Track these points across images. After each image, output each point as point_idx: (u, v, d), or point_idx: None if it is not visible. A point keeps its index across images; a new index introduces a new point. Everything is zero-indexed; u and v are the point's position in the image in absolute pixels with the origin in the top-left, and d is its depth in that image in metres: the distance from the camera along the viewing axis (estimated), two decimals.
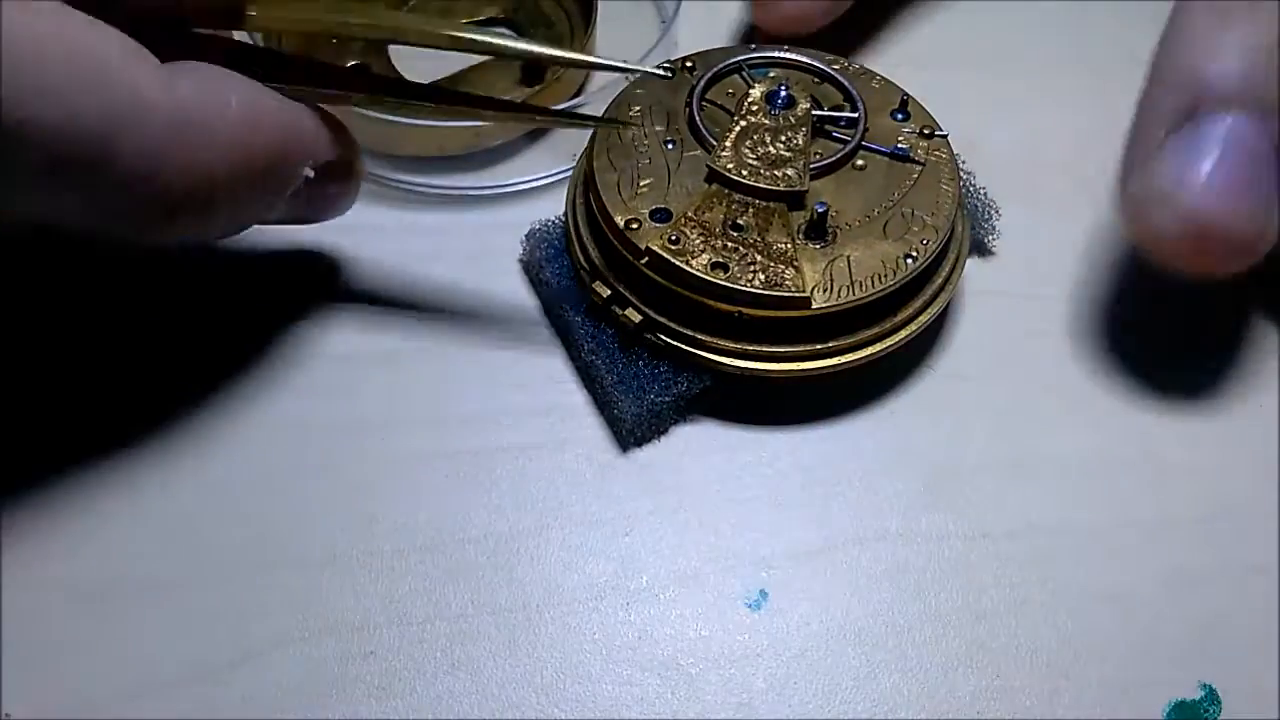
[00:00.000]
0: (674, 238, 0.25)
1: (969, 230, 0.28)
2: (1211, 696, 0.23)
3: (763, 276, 0.24)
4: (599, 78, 0.34)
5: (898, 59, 0.35)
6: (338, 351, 0.27)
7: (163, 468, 0.25)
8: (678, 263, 0.24)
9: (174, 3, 0.21)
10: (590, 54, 0.33)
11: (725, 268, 0.24)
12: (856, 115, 0.28)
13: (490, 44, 0.24)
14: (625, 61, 0.26)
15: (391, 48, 0.34)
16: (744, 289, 0.24)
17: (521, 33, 0.35)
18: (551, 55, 0.25)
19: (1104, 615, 0.24)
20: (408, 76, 0.33)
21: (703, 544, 0.25)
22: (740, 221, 0.25)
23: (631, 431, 0.26)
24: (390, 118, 0.29)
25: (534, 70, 0.33)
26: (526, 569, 0.24)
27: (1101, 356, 0.27)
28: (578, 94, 0.33)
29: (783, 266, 0.24)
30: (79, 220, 0.20)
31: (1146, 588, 0.24)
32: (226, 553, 0.24)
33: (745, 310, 0.24)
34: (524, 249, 0.29)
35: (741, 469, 0.26)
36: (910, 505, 0.25)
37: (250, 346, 0.27)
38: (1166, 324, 0.29)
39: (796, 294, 0.24)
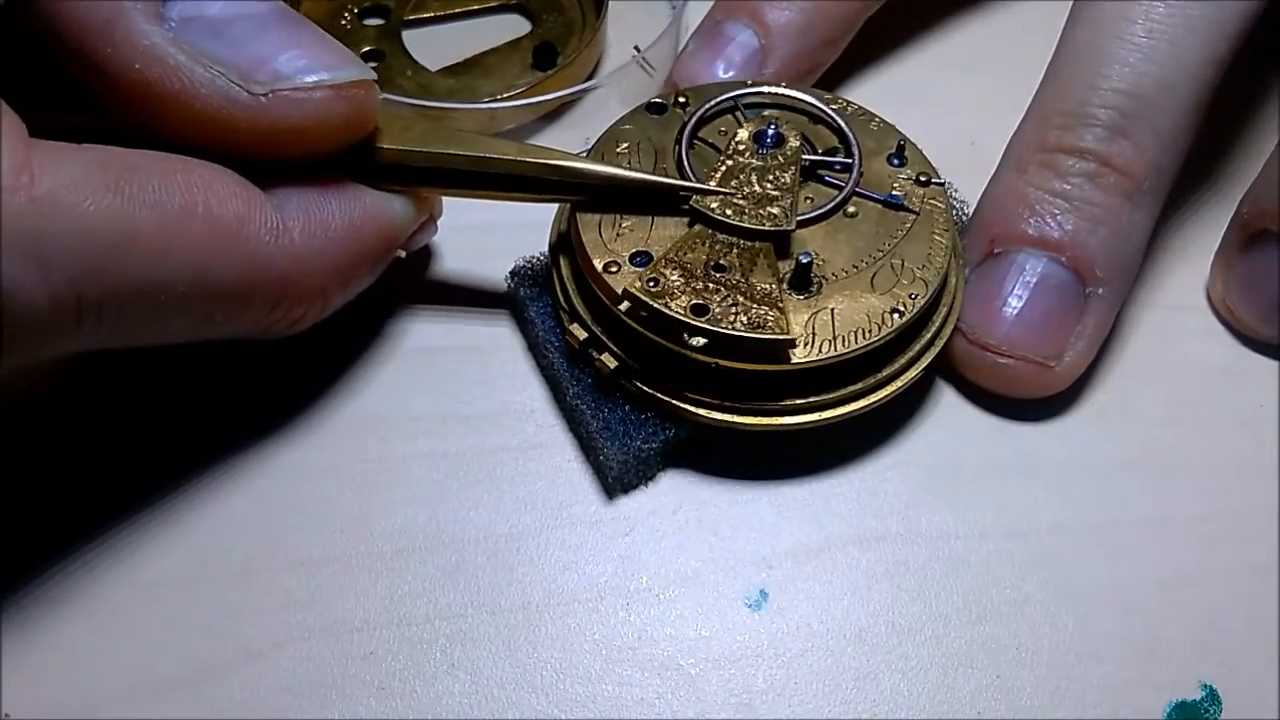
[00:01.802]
0: (653, 280, 0.24)
1: (964, 279, 0.27)
2: (1212, 696, 0.23)
3: (745, 319, 0.23)
4: (609, 62, 0.34)
5: (897, 59, 0.35)
6: (338, 351, 0.27)
7: (162, 469, 0.25)
8: (656, 305, 0.23)
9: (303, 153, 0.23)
10: (599, 41, 0.33)
11: (706, 310, 0.23)
12: (851, 160, 0.27)
13: (602, 174, 0.25)
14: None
15: (405, 33, 0.34)
16: (725, 331, 0.23)
17: (533, 19, 0.35)
18: (662, 183, 0.25)
19: (1104, 615, 0.24)
20: (420, 60, 0.33)
21: (703, 544, 0.25)
22: (723, 262, 0.24)
23: (619, 479, 0.25)
24: (410, 101, 0.29)
25: (546, 55, 0.33)
26: (526, 569, 0.24)
27: (1100, 357, 0.27)
28: (590, 77, 0.34)
29: (766, 308, 0.23)
30: (203, 339, 0.22)
31: (1146, 588, 0.24)
32: (227, 553, 0.24)
33: (722, 361, 0.23)
34: (508, 285, 0.28)
35: (741, 469, 0.26)
36: (910, 505, 0.25)
37: (247, 348, 0.27)
38: (1165, 324, 0.29)
39: (780, 336, 0.23)
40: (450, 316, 0.28)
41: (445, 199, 0.27)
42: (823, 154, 0.27)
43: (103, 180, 0.19)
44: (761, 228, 0.25)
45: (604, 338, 0.25)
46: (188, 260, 0.20)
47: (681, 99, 0.28)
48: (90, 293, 0.19)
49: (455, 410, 0.27)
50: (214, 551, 0.24)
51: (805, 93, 0.28)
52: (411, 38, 0.34)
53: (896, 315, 0.24)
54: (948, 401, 0.27)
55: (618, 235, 0.25)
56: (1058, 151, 0.26)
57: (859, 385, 0.24)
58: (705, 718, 0.22)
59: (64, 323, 0.19)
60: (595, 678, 0.23)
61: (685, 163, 0.26)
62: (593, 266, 0.24)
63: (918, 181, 0.27)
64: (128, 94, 0.21)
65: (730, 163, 0.26)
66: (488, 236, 0.30)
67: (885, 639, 0.23)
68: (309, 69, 0.22)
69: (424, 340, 0.28)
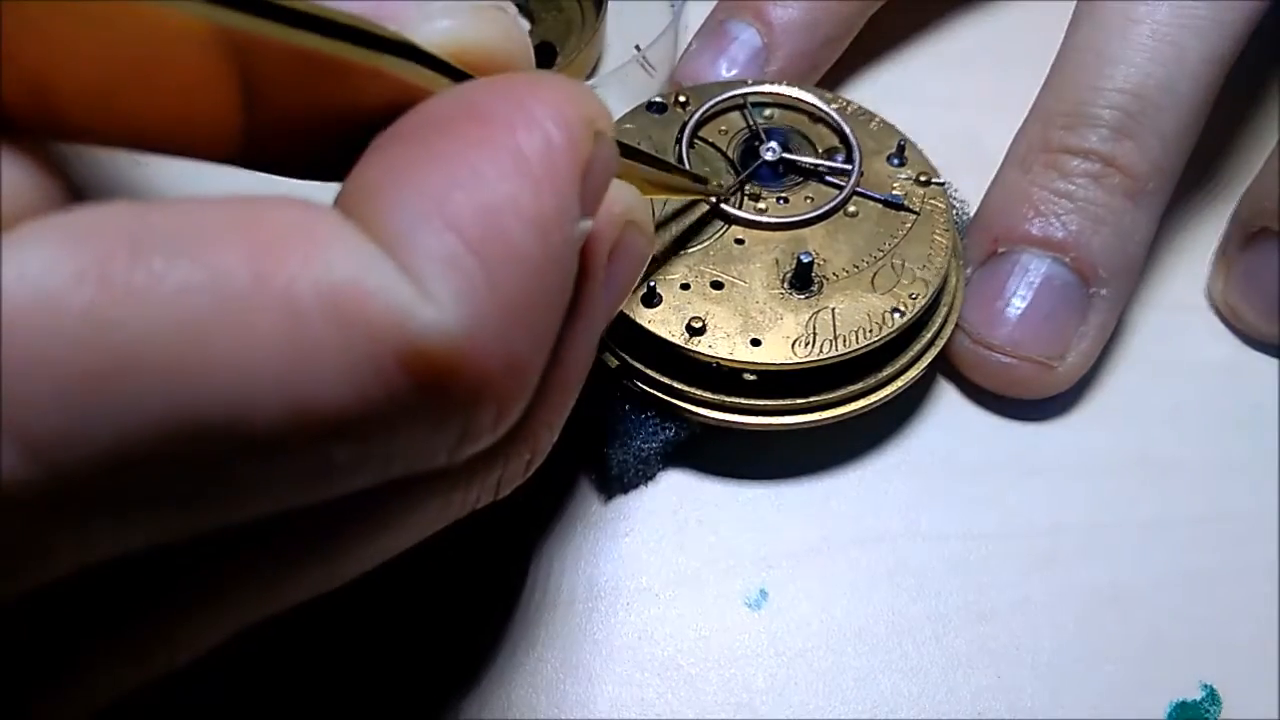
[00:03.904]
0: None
1: (964, 279, 0.27)
2: (1212, 697, 0.23)
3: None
4: (609, 61, 0.34)
5: (898, 58, 0.35)
6: None
7: None
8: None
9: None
10: (599, 40, 0.33)
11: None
12: (851, 160, 0.27)
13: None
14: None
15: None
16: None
17: (532, 18, 0.35)
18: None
19: (1104, 615, 0.24)
20: None
21: (703, 544, 0.25)
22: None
23: (619, 479, 0.25)
24: None
25: (545, 54, 0.33)
26: (527, 569, 0.24)
27: (1101, 356, 0.27)
28: (590, 76, 0.34)
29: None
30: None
31: (1146, 588, 0.24)
32: None
33: (723, 361, 0.23)
34: None
35: (741, 469, 0.26)
36: (910, 505, 0.25)
37: None
38: (1165, 323, 0.29)
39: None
40: None
41: None
42: (823, 153, 0.27)
43: (77, 266, 0.11)
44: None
45: (604, 337, 0.25)
46: (255, 384, 0.12)
47: (682, 98, 0.28)
48: (71, 462, 0.11)
49: None
50: None
51: (806, 92, 0.28)
52: None
53: (897, 315, 0.24)
54: (948, 401, 0.27)
55: None
56: (1062, 152, 0.26)
57: (859, 385, 0.24)
58: (705, 718, 0.22)
59: (39, 523, 0.11)
60: (595, 678, 0.23)
61: (686, 161, 0.26)
62: None
63: (918, 181, 0.27)
64: None
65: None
66: None
67: (885, 639, 0.23)
68: None
69: None
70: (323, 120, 0.15)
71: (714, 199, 0.25)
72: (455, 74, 0.15)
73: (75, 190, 0.13)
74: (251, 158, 0.15)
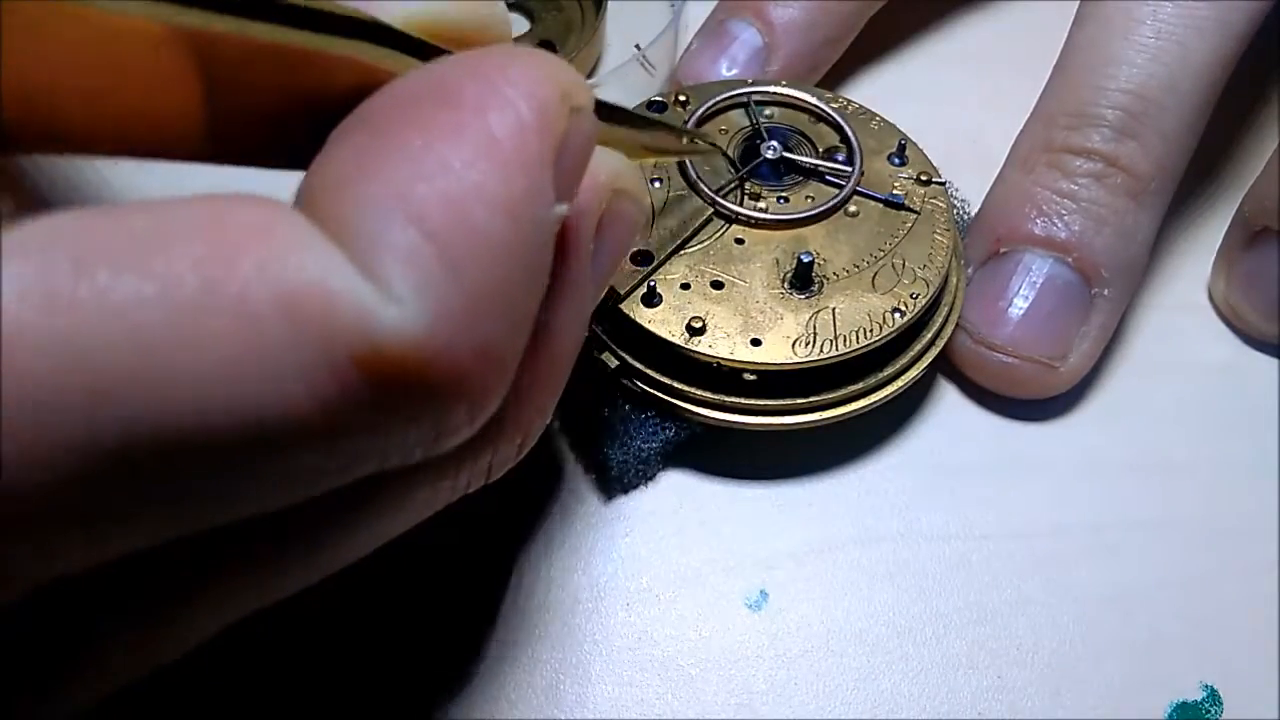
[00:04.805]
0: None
1: (965, 279, 0.27)
2: (1213, 697, 0.23)
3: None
4: (609, 60, 0.34)
5: (899, 58, 0.35)
6: None
7: None
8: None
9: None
10: (599, 39, 0.33)
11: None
12: (852, 159, 0.26)
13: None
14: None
15: None
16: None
17: (532, 17, 0.35)
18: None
19: (1105, 615, 0.24)
20: None
21: (703, 544, 0.25)
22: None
23: (619, 479, 0.25)
24: None
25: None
26: (526, 569, 0.24)
27: (1102, 357, 0.27)
28: (590, 75, 0.34)
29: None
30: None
31: (1146, 588, 0.24)
32: None
33: (723, 361, 0.23)
34: None
35: (741, 469, 0.26)
36: (910, 505, 0.25)
37: None
38: (1167, 324, 0.29)
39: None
40: None
41: None
42: (824, 153, 0.27)
43: (19, 284, 0.11)
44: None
45: (604, 337, 0.25)
46: (212, 394, 0.11)
47: (682, 97, 0.28)
48: (27, 483, 0.11)
49: None
50: None
51: (806, 91, 0.28)
52: None
53: (898, 315, 0.24)
54: (948, 401, 0.27)
55: None
56: (1064, 151, 0.26)
57: (860, 385, 0.24)
58: (705, 718, 0.22)
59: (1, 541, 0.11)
60: (595, 678, 0.23)
61: (687, 162, 0.26)
62: None
63: (919, 181, 0.26)
64: None
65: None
66: None
67: (886, 639, 0.23)
68: None
69: None
70: (290, 108, 0.14)
71: (701, 157, 0.25)
72: (423, 50, 0.15)
73: (38, 201, 0.13)
74: (220, 153, 0.15)
